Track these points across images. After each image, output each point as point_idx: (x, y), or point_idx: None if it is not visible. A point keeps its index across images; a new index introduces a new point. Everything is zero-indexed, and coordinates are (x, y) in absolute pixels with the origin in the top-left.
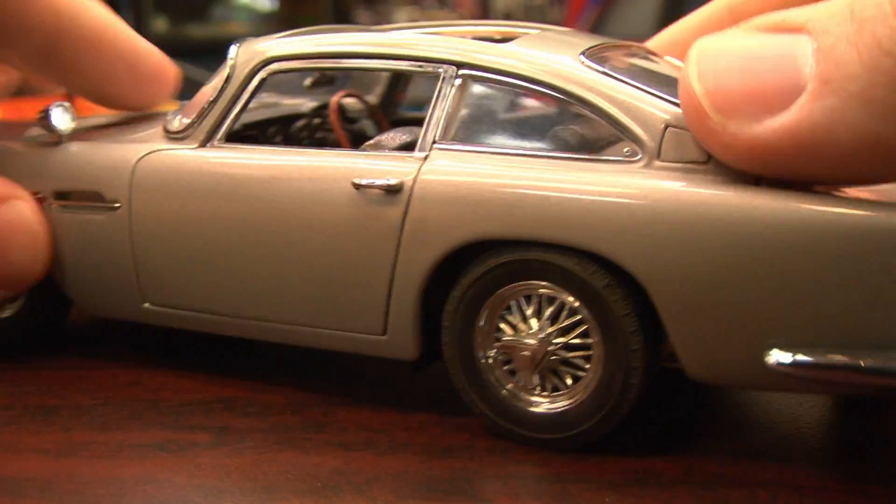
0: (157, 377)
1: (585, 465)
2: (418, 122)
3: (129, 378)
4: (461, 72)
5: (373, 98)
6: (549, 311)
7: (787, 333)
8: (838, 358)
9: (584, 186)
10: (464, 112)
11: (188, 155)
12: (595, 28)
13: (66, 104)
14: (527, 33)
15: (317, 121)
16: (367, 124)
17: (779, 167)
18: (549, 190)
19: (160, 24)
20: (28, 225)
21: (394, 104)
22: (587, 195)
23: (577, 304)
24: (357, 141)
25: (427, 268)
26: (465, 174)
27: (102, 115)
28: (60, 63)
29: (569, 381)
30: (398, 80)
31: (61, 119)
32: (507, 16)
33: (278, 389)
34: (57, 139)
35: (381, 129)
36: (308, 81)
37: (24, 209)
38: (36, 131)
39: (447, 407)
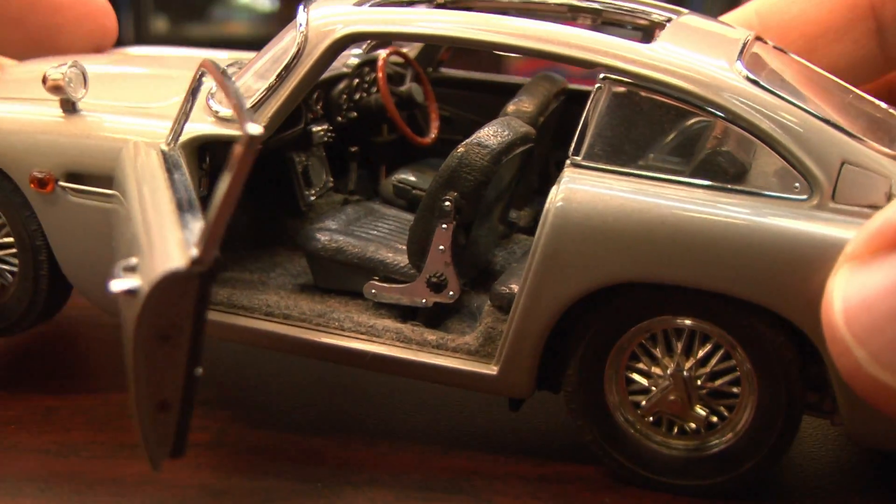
0: None
1: (585, 466)
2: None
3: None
4: (603, 75)
5: (411, 52)
6: (701, 353)
7: None
8: None
9: (755, 230)
10: (605, 123)
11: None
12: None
13: (79, 65)
14: (650, 16)
15: (356, 81)
16: (413, 87)
17: None
18: (713, 230)
19: (160, 23)
20: None
21: (434, 62)
22: (758, 240)
23: (732, 344)
24: (402, 107)
25: (558, 309)
26: (608, 203)
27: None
28: None
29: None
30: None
31: (75, 82)
32: None
33: (278, 389)
34: (70, 107)
35: (426, 93)
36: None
37: None
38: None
39: (447, 407)
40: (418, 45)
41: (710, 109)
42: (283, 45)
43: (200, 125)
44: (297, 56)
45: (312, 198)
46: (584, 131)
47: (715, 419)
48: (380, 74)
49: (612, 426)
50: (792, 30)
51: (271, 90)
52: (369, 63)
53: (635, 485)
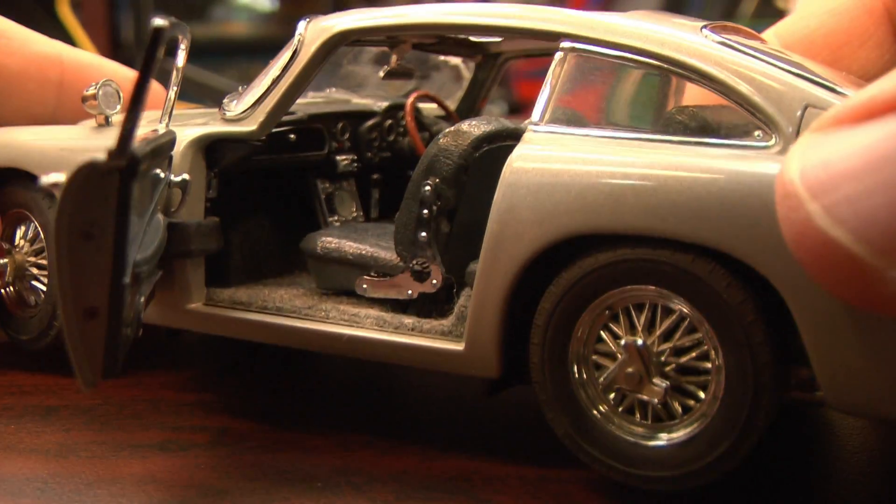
0: (157, 377)
1: (585, 466)
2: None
3: (128, 378)
4: (564, 44)
5: (451, 103)
6: (664, 326)
7: None
8: None
9: (709, 174)
10: (566, 90)
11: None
12: None
13: (114, 84)
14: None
15: (389, 122)
16: (443, 127)
17: None
18: (666, 176)
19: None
20: None
21: (474, 112)
22: (713, 184)
23: (694, 312)
24: None
25: (515, 268)
26: (562, 160)
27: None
28: None
29: (688, 403)
30: (480, 86)
31: (108, 99)
32: None
33: (278, 390)
34: (103, 121)
35: None
36: (383, 71)
37: None
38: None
39: (447, 406)
40: (458, 96)
41: (667, 66)
42: (283, 52)
43: (208, 127)
44: (294, 56)
45: (337, 224)
46: (545, 98)
47: (678, 406)
48: (408, 117)
49: (583, 417)
50: (814, 43)
51: (269, 88)
52: (400, 107)
53: (612, 480)
